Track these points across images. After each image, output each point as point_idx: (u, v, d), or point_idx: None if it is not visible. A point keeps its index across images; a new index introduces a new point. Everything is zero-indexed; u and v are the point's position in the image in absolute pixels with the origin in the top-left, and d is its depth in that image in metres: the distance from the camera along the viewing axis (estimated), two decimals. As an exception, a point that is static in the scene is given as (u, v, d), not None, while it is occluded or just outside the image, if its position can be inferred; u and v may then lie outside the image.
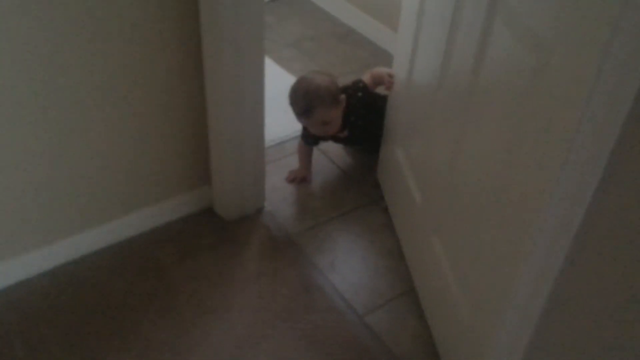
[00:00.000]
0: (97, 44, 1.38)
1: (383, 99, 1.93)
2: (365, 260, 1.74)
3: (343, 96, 1.89)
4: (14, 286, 1.58)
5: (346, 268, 1.70)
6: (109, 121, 1.50)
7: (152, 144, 1.61)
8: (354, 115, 1.93)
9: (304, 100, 1.83)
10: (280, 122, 2.15)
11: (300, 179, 1.98)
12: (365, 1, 2.72)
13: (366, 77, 2.03)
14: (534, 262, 0.99)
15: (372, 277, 1.69)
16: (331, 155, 2.10)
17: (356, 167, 2.07)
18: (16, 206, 1.49)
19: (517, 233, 1.05)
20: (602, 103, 0.78)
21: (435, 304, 1.51)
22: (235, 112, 1.59)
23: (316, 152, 2.05)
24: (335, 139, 2.02)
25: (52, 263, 1.62)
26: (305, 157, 2.01)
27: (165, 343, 1.48)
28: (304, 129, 1.96)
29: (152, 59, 1.47)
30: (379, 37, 2.68)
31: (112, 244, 1.70)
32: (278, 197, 1.92)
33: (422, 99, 1.55)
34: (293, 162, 2.03)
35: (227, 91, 1.55)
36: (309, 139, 1.98)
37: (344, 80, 2.04)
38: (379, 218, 1.87)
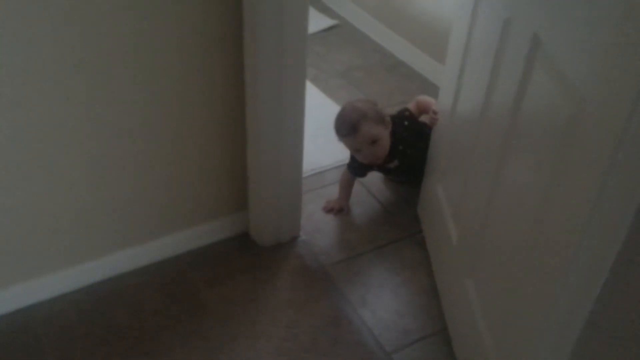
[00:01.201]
0: (139, 71, 1.42)
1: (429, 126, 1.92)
2: (397, 296, 1.71)
3: (388, 118, 1.89)
4: (52, 300, 1.62)
5: (377, 303, 1.68)
6: (149, 146, 1.54)
7: (191, 169, 1.64)
8: (402, 144, 1.93)
9: (350, 119, 1.83)
10: (322, 151, 2.16)
11: (337, 209, 1.98)
12: (415, 34, 2.72)
13: (412, 106, 2.02)
14: (559, 313, 0.96)
15: (404, 314, 1.66)
16: (370, 188, 2.09)
17: (395, 201, 2.05)
18: (59, 225, 1.54)
19: (547, 283, 1.01)
20: (630, 155, 0.77)
21: (465, 348, 1.47)
22: (274, 140, 1.61)
23: (355, 184, 2.04)
24: (386, 170, 2.01)
25: (89, 279, 1.67)
26: (346, 188, 2.01)
27: (191, 366, 1.49)
28: (352, 159, 1.96)
29: (192, 85, 1.51)
30: (428, 70, 2.67)
31: (148, 264, 1.73)
32: (314, 226, 1.92)
33: (463, 137, 1.53)
34: (332, 192, 2.03)
35: (267, 119, 1.57)
36: (358, 170, 1.97)
37: (390, 111, 2.04)
38: (415, 253, 1.84)
